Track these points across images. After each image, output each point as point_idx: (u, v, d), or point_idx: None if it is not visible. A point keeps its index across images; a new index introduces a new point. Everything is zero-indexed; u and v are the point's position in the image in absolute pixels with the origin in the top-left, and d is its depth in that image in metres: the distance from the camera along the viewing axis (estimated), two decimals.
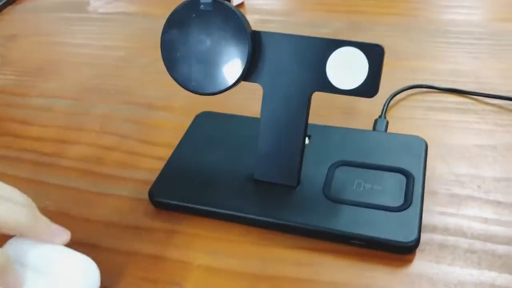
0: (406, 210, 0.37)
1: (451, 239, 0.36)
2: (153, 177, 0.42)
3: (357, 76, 0.36)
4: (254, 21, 0.66)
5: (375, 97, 0.36)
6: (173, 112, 0.51)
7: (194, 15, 0.37)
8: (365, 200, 0.38)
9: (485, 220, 0.37)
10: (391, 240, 0.35)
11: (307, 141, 0.43)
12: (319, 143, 0.43)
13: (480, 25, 0.61)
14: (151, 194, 0.40)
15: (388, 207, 0.37)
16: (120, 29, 0.69)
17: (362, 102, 0.46)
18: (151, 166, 0.45)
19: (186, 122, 0.48)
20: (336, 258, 0.36)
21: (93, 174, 0.45)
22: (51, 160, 0.47)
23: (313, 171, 0.41)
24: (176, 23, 0.38)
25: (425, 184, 0.40)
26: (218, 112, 0.48)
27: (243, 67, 0.37)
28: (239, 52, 0.37)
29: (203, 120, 0.48)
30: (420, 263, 0.35)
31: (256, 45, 0.37)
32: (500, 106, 0.48)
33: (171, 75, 0.39)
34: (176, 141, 0.45)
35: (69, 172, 0.45)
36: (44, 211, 0.35)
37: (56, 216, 0.35)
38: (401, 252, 0.36)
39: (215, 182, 0.41)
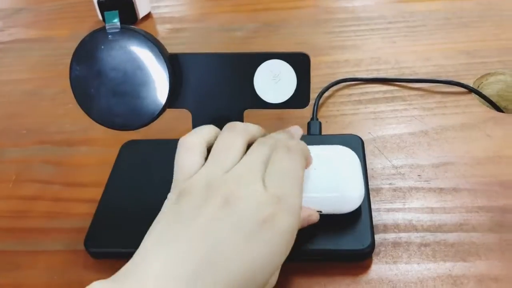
0: (355, 216, 0.36)
1: (404, 236, 0.36)
2: (85, 223, 0.39)
3: (287, 88, 0.35)
4: (166, 32, 0.63)
5: None
6: (95, 146, 0.48)
7: (102, 47, 0.34)
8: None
9: (431, 210, 0.38)
10: (347, 250, 0.34)
11: None
12: None
13: (392, 8, 0.62)
14: (87, 244, 0.37)
15: (338, 214, 0.36)
16: (20, 59, 0.63)
17: None
18: (83, 211, 0.41)
19: (111, 155, 0.44)
20: (298, 277, 0.34)
21: (17, 231, 0.40)
22: None
23: None
24: (84, 58, 0.34)
25: (368, 183, 0.39)
26: (144, 139, 0.45)
27: (166, 95, 0.34)
28: (159, 79, 0.34)
29: (130, 150, 0.44)
30: (379, 267, 0.35)
31: (176, 69, 0.35)
32: (423, 90, 0.49)
33: (88, 115, 0.35)
34: (104, 178, 0.42)
35: None
36: None
37: None
38: (358, 259, 0.35)
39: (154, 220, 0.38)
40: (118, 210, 0.39)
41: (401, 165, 0.41)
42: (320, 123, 0.45)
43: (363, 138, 0.43)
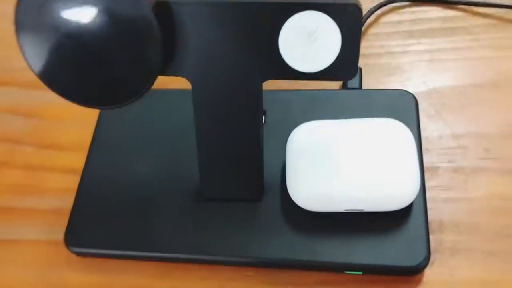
0: (406, 212, 0.28)
1: (465, 240, 0.29)
2: (65, 203, 0.31)
3: (326, 52, 0.25)
4: None
5: None
6: None
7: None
8: None
9: (501, 201, 0.29)
10: (394, 266, 0.27)
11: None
12: (279, 119, 0.32)
13: None
14: (67, 241, 0.30)
15: (383, 212, 0.28)
16: None
17: None
18: (61, 185, 0.33)
19: None
20: None
21: None
22: None
23: (278, 167, 0.31)
24: (36, 6, 0.24)
25: (423, 160, 0.31)
26: None
27: (156, 59, 0.24)
28: (144, 38, 0.24)
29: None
30: (432, 282, 0.27)
31: (168, 23, 0.24)
32: (495, 18, 0.37)
33: (48, 86, 0.26)
34: (85, 138, 0.34)
35: None
36: None
37: None
38: (407, 275, 0.28)
39: (149, 211, 0.30)
40: (102, 196, 0.31)
41: (463, 134, 0.32)
42: (360, 69, 0.35)
43: (415, 91, 0.33)
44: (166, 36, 0.24)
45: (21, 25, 0.25)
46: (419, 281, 0.28)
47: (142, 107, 0.34)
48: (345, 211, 0.28)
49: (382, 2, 0.38)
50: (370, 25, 0.38)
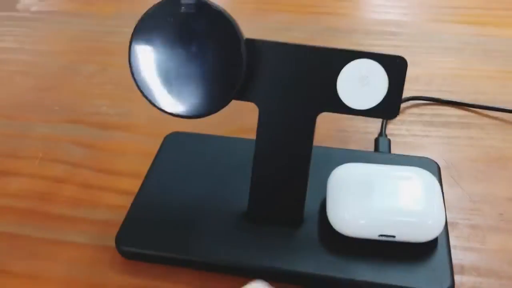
0: (432, 248, 0.31)
1: (484, 281, 0.31)
2: (117, 217, 0.34)
3: (375, 93, 0.30)
4: None
5: None
6: (135, 132, 0.43)
7: (172, 19, 0.30)
8: None
9: None
10: None
11: None
12: (320, 167, 0.37)
13: (467, 30, 0.57)
14: (118, 241, 0.32)
15: (412, 243, 0.31)
16: (59, 31, 0.59)
17: (357, 118, 0.40)
18: (114, 203, 0.36)
19: (152, 145, 0.40)
20: None
21: (39, 216, 0.36)
22: None
23: (317, 202, 0.34)
24: (149, 30, 0.30)
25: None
26: (192, 132, 0.40)
27: (237, 84, 0.30)
28: (231, 65, 0.30)
29: (175, 142, 0.40)
30: None
31: (251, 56, 0.30)
32: (503, 120, 0.44)
33: (144, 95, 0.31)
34: (142, 169, 0.37)
35: (7, 213, 0.36)
36: None
37: None
38: None
39: (198, 223, 0.33)
40: (156, 207, 0.34)
41: (479, 200, 0.36)
42: (389, 141, 0.40)
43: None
44: (248, 67, 0.30)
45: (133, 51, 0.30)
46: None
47: (198, 149, 0.39)
48: (379, 238, 0.31)
49: (408, 97, 0.45)
50: None
